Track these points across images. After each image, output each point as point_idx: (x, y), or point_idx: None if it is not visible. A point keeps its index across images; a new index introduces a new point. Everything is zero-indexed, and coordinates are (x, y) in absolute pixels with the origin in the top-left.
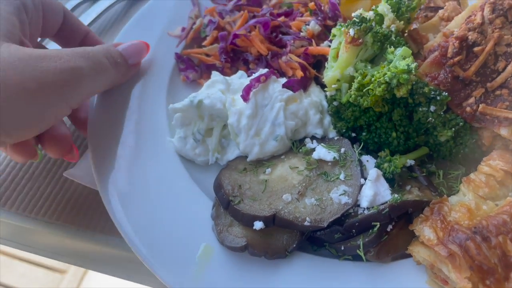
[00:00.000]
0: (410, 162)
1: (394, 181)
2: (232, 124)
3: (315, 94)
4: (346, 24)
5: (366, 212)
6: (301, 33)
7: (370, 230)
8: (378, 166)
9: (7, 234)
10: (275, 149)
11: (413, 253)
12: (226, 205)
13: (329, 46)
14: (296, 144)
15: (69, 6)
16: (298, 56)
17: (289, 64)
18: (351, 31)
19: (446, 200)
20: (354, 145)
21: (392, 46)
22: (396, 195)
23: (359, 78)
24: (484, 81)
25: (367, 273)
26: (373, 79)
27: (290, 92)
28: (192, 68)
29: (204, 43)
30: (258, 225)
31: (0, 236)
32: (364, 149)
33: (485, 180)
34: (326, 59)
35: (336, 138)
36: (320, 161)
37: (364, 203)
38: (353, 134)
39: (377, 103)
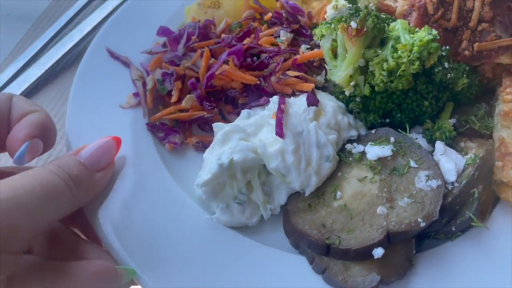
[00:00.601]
0: (452, 121)
1: (451, 145)
2: (277, 167)
3: (327, 99)
4: (343, 19)
5: (457, 184)
6: (281, 46)
7: (471, 199)
8: (431, 138)
9: None
10: (330, 170)
11: (509, 199)
12: (326, 251)
13: (308, 49)
14: (343, 156)
15: (78, 5)
16: (287, 71)
17: (284, 81)
18: (353, 24)
19: (503, 140)
20: (393, 130)
21: (386, 24)
22: (468, 156)
23: (386, 64)
24: (466, 24)
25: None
26: (401, 60)
27: (314, 108)
28: (173, 131)
29: (172, 100)
30: (379, 252)
31: None
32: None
33: None
34: (311, 64)
35: (373, 131)
36: (381, 160)
37: (451, 177)
38: (387, 120)
39: (410, 82)
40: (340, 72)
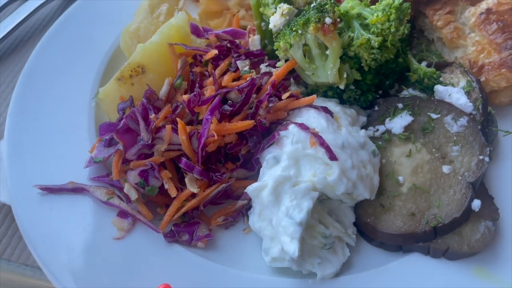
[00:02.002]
0: (424, 63)
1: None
2: (345, 189)
3: (325, 102)
4: (313, 19)
5: (475, 112)
6: (251, 75)
7: (489, 117)
8: (423, 86)
9: None
10: (379, 162)
11: (502, 101)
12: (434, 234)
13: (267, 66)
14: (376, 143)
15: None
16: (269, 96)
17: (275, 108)
18: (328, 20)
19: (468, 59)
20: (394, 97)
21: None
22: (461, 85)
23: (374, 42)
24: None
25: None
26: (385, 32)
27: (331, 120)
28: (193, 225)
29: (172, 195)
30: (477, 203)
31: None
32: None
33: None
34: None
35: (375, 108)
36: (407, 128)
37: (469, 109)
38: (380, 92)
39: (396, 46)
40: (327, 71)
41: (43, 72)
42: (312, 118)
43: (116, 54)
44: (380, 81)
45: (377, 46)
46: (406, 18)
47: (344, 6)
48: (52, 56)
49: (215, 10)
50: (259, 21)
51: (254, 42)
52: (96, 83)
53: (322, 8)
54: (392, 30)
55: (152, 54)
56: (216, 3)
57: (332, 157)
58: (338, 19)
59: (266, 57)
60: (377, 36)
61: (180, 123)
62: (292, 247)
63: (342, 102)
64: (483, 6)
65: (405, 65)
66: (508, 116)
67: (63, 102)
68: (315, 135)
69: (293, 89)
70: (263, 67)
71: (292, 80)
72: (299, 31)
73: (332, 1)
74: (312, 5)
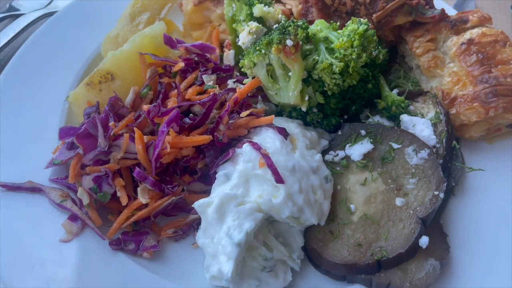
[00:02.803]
0: (395, 91)
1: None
2: (291, 214)
3: (286, 122)
4: (275, 41)
5: (439, 145)
6: (214, 91)
7: (454, 151)
8: (390, 115)
9: None
10: (332, 187)
11: (473, 136)
12: (378, 267)
13: (234, 83)
14: (333, 168)
15: None
16: (231, 113)
17: (235, 124)
18: (289, 42)
19: (441, 89)
20: (358, 123)
21: (304, 29)
22: (429, 116)
23: (335, 67)
24: (357, 1)
25: None
26: (347, 58)
27: (288, 137)
28: (142, 235)
29: (123, 203)
30: (425, 240)
31: None
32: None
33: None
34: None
35: (339, 133)
36: (366, 156)
37: (432, 141)
38: (345, 116)
39: (360, 74)
40: (289, 92)
41: (23, 73)
42: (269, 138)
43: (97, 59)
44: (346, 106)
45: (338, 72)
46: (371, 44)
47: (313, 28)
48: (35, 58)
49: (198, 21)
50: (233, 37)
51: (228, 56)
52: (74, 87)
53: (284, 30)
54: (353, 56)
55: (122, 62)
56: (200, 15)
57: (278, 179)
58: (301, 42)
59: (236, 73)
60: (339, 62)
61: (137, 133)
62: (227, 267)
63: (306, 124)
64: (466, 36)
65: (375, 91)
66: (478, 150)
67: (39, 102)
68: (265, 156)
69: (260, 106)
70: (230, 83)
71: (260, 97)
72: (263, 51)
73: (295, 23)
74: (275, 26)
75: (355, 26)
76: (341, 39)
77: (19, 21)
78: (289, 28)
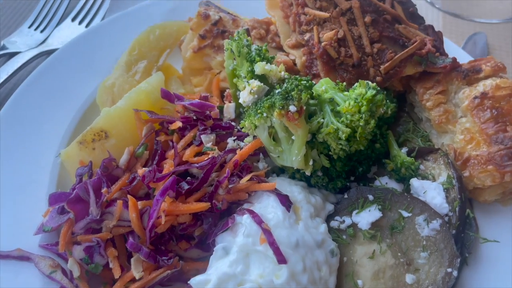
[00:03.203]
0: (404, 150)
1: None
2: None
3: (289, 185)
4: (277, 106)
5: (451, 213)
6: (213, 154)
7: (467, 220)
8: (399, 177)
9: None
10: (338, 261)
11: (487, 200)
12: None
13: (235, 141)
14: (339, 238)
15: None
16: (231, 177)
17: (235, 189)
18: (292, 108)
19: (453, 148)
20: (365, 186)
21: (308, 88)
22: (440, 180)
23: (341, 133)
24: (363, 52)
25: None
26: (354, 124)
27: (291, 208)
28: None
29: (116, 276)
30: None
31: None
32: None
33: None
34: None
35: (345, 196)
36: (376, 224)
37: (444, 210)
38: (352, 178)
39: (368, 139)
40: (292, 156)
41: (14, 123)
42: (271, 206)
43: (92, 107)
44: (353, 167)
45: (344, 138)
46: (379, 108)
47: (318, 88)
48: (25, 109)
49: (198, 67)
50: (234, 90)
51: (228, 109)
52: (67, 138)
53: (287, 95)
54: (361, 123)
55: (116, 120)
56: (199, 61)
57: (281, 260)
58: (304, 107)
59: (236, 130)
60: (346, 127)
61: (131, 201)
62: None
63: (310, 185)
64: (479, 88)
65: (383, 150)
66: (492, 213)
67: (29, 158)
68: (266, 232)
69: (261, 165)
70: (230, 142)
71: (261, 155)
72: (264, 114)
73: (299, 84)
74: (277, 91)
75: (363, 90)
76: (347, 103)
77: (13, 61)
78: (292, 93)
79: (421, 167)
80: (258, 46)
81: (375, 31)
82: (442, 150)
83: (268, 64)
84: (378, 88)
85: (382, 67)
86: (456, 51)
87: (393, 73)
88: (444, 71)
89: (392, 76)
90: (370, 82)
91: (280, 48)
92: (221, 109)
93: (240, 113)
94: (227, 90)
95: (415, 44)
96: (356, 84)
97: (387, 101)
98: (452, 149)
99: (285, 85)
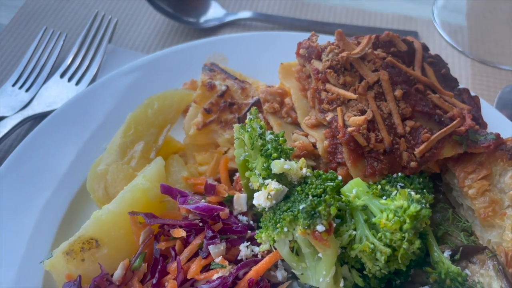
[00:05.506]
0: (447, 254)
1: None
2: None
3: None
4: (302, 225)
5: None
6: (224, 273)
7: None
8: (446, 287)
9: None
10: None
11: None
12: None
13: (248, 247)
14: None
15: None
16: None
17: None
18: (320, 227)
19: (502, 249)
20: None
21: (336, 193)
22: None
23: (379, 254)
24: (395, 133)
25: None
26: (395, 243)
27: None
28: None
29: None
30: None
31: None
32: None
33: None
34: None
35: None
36: None
37: None
38: None
39: (409, 259)
40: (318, 276)
41: None
42: None
43: (82, 191)
44: (389, 279)
45: (383, 261)
46: (423, 223)
47: (347, 191)
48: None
49: (202, 143)
50: (246, 181)
51: (239, 200)
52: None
53: (313, 212)
54: (404, 246)
55: (108, 226)
56: (205, 137)
57: None
58: (334, 225)
59: (250, 220)
60: (384, 246)
61: None
62: None
63: None
64: None
65: (422, 255)
66: None
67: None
68: None
69: (280, 275)
70: (243, 249)
71: (279, 261)
72: (285, 229)
73: (328, 202)
74: (302, 207)
75: (404, 203)
76: (386, 215)
77: None
78: (320, 209)
79: (467, 271)
80: (273, 136)
81: (407, 106)
82: (489, 249)
83: (287, 161)
84: (423, 201)
85: (416, 150)
86: (491, 113)
87: (429, 156)
88: (488, 151)
89: (428, 159)
90: (412, 193)
91: (296, 123)
92: (230, 198)
93: (252, 205)
94: (237, 174)
95: (454, 123)
96: (395, 192)
97: (424, 191)
98: (503, 251)
99: (308, 199)
